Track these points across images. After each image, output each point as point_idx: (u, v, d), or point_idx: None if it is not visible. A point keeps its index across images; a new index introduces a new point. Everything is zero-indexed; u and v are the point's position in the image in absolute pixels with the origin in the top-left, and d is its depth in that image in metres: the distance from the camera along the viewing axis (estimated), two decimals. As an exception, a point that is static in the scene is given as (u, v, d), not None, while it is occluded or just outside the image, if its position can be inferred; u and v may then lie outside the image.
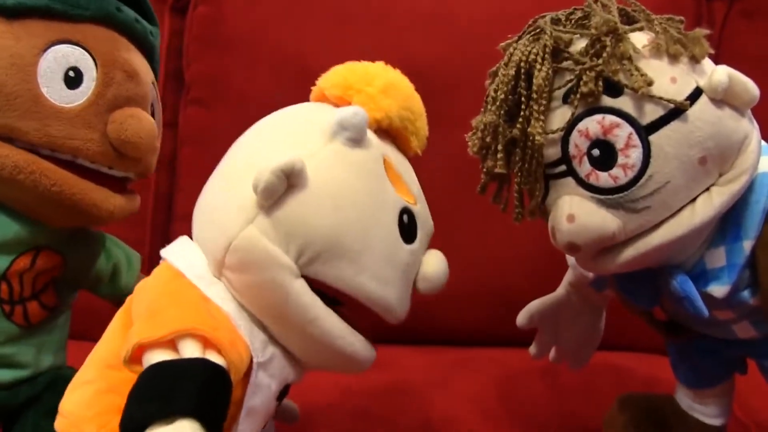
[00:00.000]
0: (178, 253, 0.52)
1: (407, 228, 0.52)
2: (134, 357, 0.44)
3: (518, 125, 0.52)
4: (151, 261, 0.88)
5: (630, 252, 0.51)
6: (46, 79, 0.56)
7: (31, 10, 0.56)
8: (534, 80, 0.51)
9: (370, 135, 0.53)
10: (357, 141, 0.51)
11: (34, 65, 0.55)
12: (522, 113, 0.52)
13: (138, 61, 0.61)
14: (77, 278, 0.64)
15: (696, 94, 0.50)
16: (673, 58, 0.51)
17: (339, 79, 0.55)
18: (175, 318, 0.45)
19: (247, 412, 0.49)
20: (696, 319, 0.54)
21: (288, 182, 0.47)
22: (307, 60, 0.96)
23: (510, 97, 0.53)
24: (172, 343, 0.44)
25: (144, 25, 0.63)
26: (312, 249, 0.48)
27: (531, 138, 0.51)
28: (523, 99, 0.52)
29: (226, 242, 0.49)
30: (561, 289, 0.70)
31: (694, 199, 0.51)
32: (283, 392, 0.54)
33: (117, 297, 0.68)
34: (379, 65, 0.57)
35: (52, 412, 0.56)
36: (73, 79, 0.57)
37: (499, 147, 0.53)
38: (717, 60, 0.53)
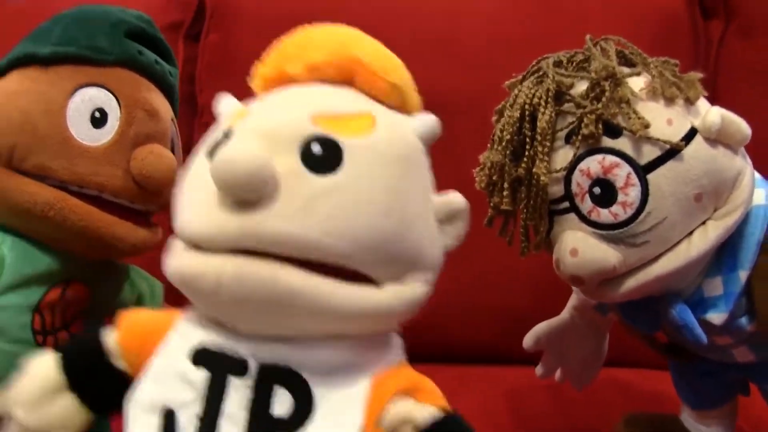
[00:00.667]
0: None
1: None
2: None
3: (523, 164, 0.55)
4: (170, 285, 0.91)
5: (631, 282, 0.54)
6: (74, 121, 0.59)
7: (62, 57, 0.60)
8: (538, 123, 0.54)
9: None
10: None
11: (63, 108, 0.59)
12: (527, 153, 0.55)
13: (158, 100, 0.64)
14: (103, 309, 0.66)
15: (691, 135, 0.52)
16: (669, 100, 0.53)
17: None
18: None
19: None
20: (696, 344, 0.56)
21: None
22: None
23: (515, 137, 0.55)
24: None
25: (163, 66, 0.66)
26: None
27: (536, 177, 0.54)
28: (527, 140, 0.55)
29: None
30: (566, 313, 0.71)
31: (691, 233, 0.53)
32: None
33: None
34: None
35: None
36: (99, 120, 0.60)
37: (505, 185, 0.56)
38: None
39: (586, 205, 0.53)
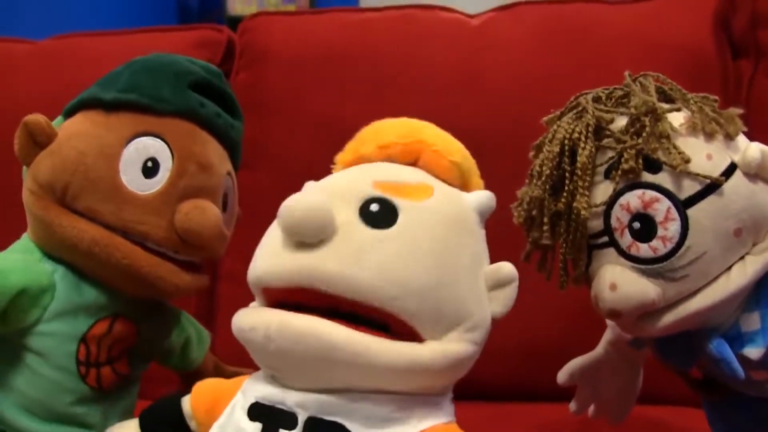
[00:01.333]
0: None
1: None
2: None
3: (563, 199, 0.55)
4: (198, 319, 0.92)
5: (669, 317, 0.54)
6: (127, 168, 0.60)
7: (125, 104, 0.62)
8: (578, 158, 0.55)
9: None
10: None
11: (118, 154, 0.60)
12: (566, 188, 0.55)
13: (214, 154, 0.65)
14: (150, 349, 0.67)
15: (731, 170, 0.53)
16: (709, 136, 0.54)
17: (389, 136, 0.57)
18: None
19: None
20: (732, 379, 0.56)
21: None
22: (346, 123, 0.98)
23: (555, 172, 0.56)
24: None
25: (226, 120, 0.66)
26: None
27: (576, 212, 0.54)
28: (567, 174, 0.55)
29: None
30: (600, 348, 0.71)
31: (729, 267, 0.53)
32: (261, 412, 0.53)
33: (185, 370, 0.73)
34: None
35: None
36: (151, 169, 0.61)
37: (545, 219, 0.56)
38: (746, 117, 0.56)
39: (626, 239, 0.54)
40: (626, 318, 0.55)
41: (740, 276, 0.53)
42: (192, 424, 0.56)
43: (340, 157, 0.59)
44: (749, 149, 0.54)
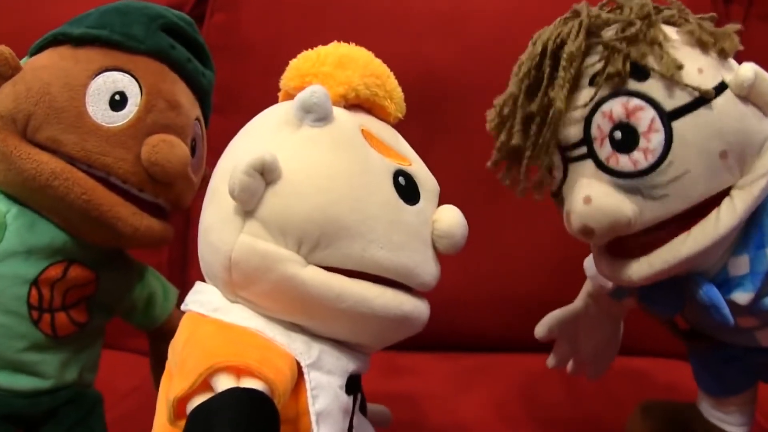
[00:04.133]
0: (191, 298, 0.52)
1: (406, 189, 0.51)
2: (179, 414, 0.43)
3: (538, 99, 0.52)
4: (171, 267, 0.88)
5: (657, 263, 0.51)
6: (93, 99, 0.59)
7: (94, 39, 0.61)
8: (566, 48, 0.51)
9: (340, 111, 0.52)
10: (324, 119, 0.50)
11: (84, 86, 0.59)
12: (543, 88, 0.52)
13: (183, 95, 0.64)
14: (110, 301, 0.65)
15: (721, 88, 0.50)
16: (703, 48, 0.51)
17: (294, 71, 0.55)
18: (201, 360, 0.44)
19: (318, 418, 0.47)
20: (719, 327, 0.54)
21: (265, 179, 0.47)
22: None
23: (534, 72, 0.53)
24: (206, 386, 0.43)
25: (196, 66, 0.66)
26: (310, 238, 0.47)
27: (552, 102, 0.51)
28: (546, 76, 0.52)
29: (225, 260, 0.48)
30: (579, 301, 0.69)
31: (716, 204, 0.51)
32: (353, 384, 0.52)
33: (149, 327, 0.71)
34: (331, 45, 0.56)
35: (69, 430, 0.62)
36: (118, 102, 0.60)
37: (517, 118, 0.53)
38: (737, 61, 0.54)
39: (605, 150, 0.51)
40: (598, 238, 0.52)
41: (730, 214, 0.50)
42: None
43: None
44: (742, 68, 0.51)
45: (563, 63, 0.51)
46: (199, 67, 0.66)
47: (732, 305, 0.53)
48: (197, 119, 0.66)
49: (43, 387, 0.61)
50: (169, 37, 0.63)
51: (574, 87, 0.52)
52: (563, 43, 0.52)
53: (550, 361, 0.72)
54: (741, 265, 0.53)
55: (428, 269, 0.52)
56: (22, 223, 0.59)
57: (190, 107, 0.64)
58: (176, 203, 0.64)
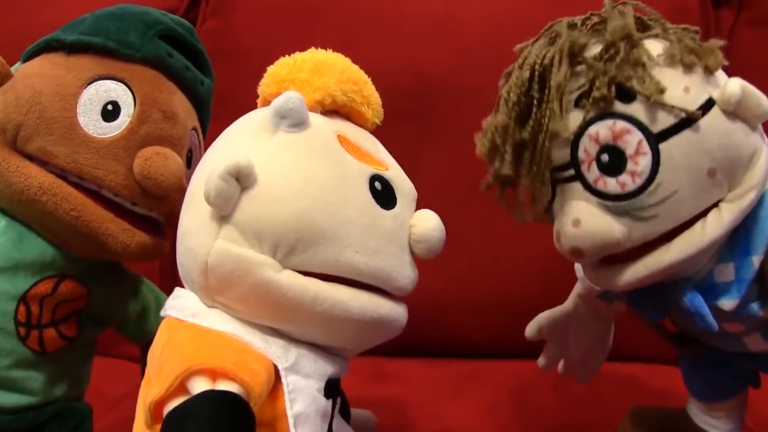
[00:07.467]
0: (170, 304, 0.51)
1: (382, 194, 0.51)
2: (156, 418, 0.43)
3: (529, 128, 0.52)
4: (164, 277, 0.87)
5: (641, 270, 0.51)
6: (85, 109, 0.57)
7: (87, 46, 0.59)
8: (553, 78, 0.51)
9: (316, 117, 0.52)
10: (300, 125, 0.50)
11: (76, 95, 0.57)
12: (534, 116, 0.52)
13: (180, 105, 0.62)
14: (103, 314, 0.64)
15: (708, 105, 0.50)
16: (687, 68, 0.51)
17: (271, 77, 0.55)
18: (177, 364, 0.44)
19: (296, 421, 0.47)
20: (706, 332, 0.54)
21: (241, 184, 0.47)
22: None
23: (523, 99, 0.52)
24: (183, 389, 0.43)
25: (195, 74, 0.64)
26: (285, 242, 0.47)
27: (547, 136, 0.51)
28: (535, 102, 0.52)
29: (202, 265, 0.48)
30: (569, 302, 0.69)
31: (704, 216, 0.51)
32: (332, 388, 0.52)
33: (141, 339, 0.69)
34: (308, 51, 0.56)
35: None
36: (111, 113, 0.58)
37: (508, 148, 0.53)
38: (725, 69, 0.53)
39: (593, 173, 0.51)
40: (588, 258, 0.52)
41: (716, 225, 0.50)
42: None
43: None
44: (729, 84, 0.50)
45: (553, 92, 0.51)
46: (198, 75, 0.65)
47: (718, 311, 0.53)
48: (194, 129, 0.64)
49: (29, 403, 0.60)
50: (168, 44, 0.62)
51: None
52: (551, 65, 0.52)
53: (541, 361, 0.72)
54: (727, 272, 0.53)
55: (405, 273, 0.52)
56: (8, 238, 0.58)
57: (187, 117, 0.63)
58: (171, 216, 0.62)
